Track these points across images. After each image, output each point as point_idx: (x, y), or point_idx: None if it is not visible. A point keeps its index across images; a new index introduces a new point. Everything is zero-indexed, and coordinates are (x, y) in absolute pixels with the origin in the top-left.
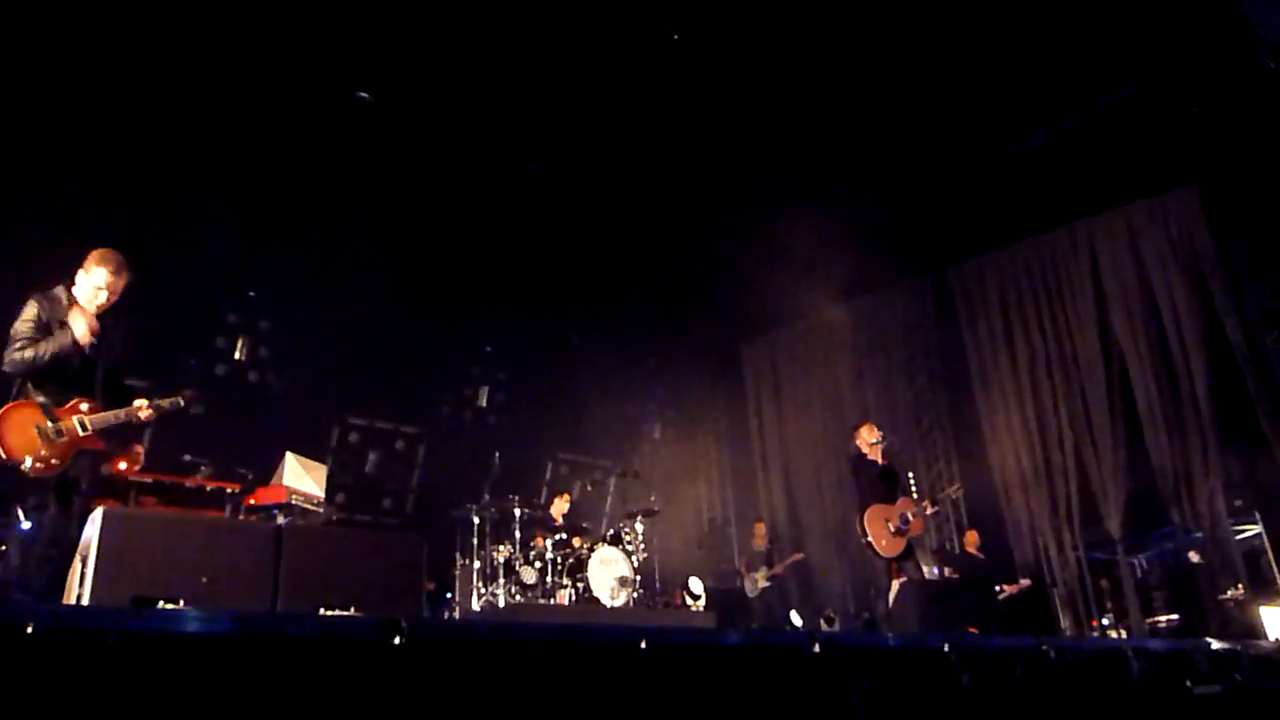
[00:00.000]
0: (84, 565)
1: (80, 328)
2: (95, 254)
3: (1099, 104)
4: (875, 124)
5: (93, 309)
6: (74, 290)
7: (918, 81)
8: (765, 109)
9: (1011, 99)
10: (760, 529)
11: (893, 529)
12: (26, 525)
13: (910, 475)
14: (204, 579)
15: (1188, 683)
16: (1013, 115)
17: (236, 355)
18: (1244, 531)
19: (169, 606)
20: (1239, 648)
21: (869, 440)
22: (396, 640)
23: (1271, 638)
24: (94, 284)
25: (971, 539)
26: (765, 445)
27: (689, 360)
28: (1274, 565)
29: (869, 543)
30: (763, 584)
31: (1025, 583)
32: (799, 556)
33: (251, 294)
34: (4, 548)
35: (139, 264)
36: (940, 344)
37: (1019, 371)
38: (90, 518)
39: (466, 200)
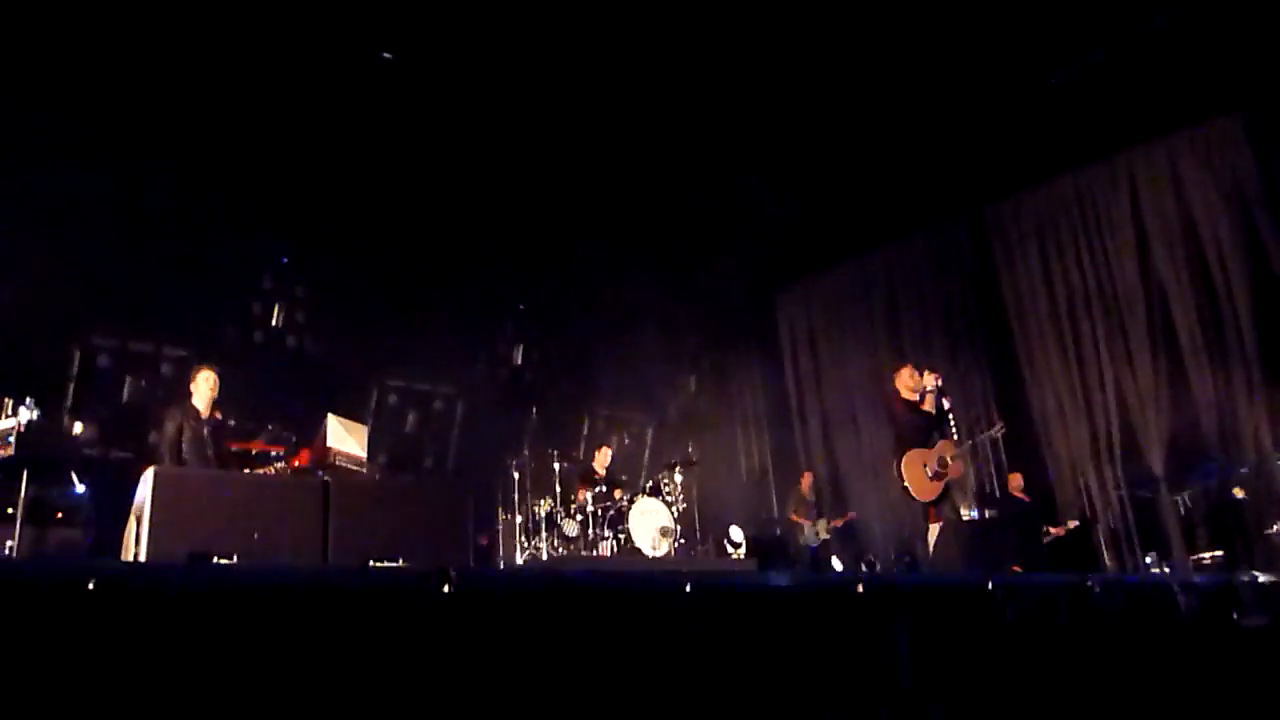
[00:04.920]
0: (139, 525)
1: None
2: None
3: (1138, 30)
4: (909, 59)
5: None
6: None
7: (951, 14)
8: (797, 47)
9: (1048, 28)
10: (808, 478)
11: (930, 473)
12: (81, 489)
13: (951, 417)
14: (255, 535)
15: (1234, 615)
16: (1049, 45)
17: (274, 322)
18: None
19: (223, 562)
20: None
21: (909, 384)
22: (446, 589)
23: None
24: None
25: (1016, 481)
26: (802, 391)
27: (722, 310)
28: None
29: (906, 488)
30: (824, 535)
31: (1072, 524)
32: (852, 515)
33: (285, 260)
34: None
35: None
36: (977, 283)
37: (1058, 309)
38: (143, 478)
39: (496, 155)
